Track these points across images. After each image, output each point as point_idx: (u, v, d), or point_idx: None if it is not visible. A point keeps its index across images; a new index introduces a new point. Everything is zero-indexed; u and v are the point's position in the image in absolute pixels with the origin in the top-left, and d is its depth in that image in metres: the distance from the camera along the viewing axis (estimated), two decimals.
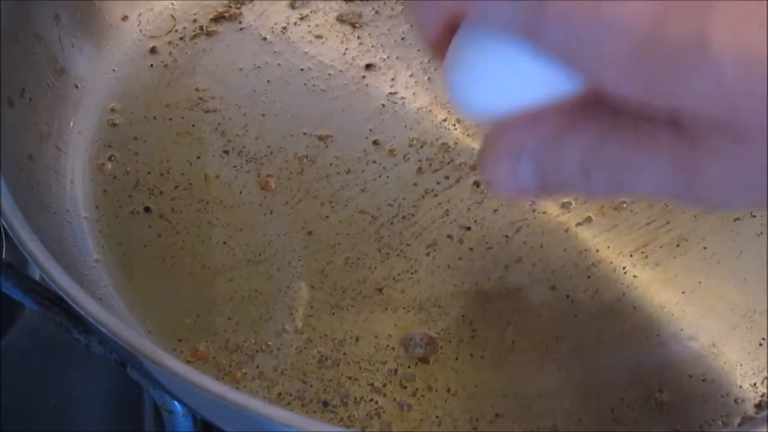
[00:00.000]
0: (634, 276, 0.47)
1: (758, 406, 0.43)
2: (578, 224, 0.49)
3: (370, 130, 0.53)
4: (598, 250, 0.48)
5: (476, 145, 0.52)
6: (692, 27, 0.28)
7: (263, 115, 0.55)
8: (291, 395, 0.43)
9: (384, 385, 0.44)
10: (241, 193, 0.51)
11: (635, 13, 0.29)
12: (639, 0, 0.29)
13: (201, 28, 0.59)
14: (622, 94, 0.30)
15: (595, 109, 0.32)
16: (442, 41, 0.35)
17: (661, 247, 0.48)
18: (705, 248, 0.48)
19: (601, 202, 0.49)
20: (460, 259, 0.48)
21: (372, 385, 0.44)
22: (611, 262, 0.48)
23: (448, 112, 0.54)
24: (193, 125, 0.54)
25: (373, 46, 0.58)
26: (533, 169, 0.34)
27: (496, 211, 0.49)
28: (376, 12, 0.60)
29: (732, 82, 0.28)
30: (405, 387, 0.44)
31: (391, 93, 0.55)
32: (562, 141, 0.33)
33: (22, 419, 0.54)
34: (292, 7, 0.60)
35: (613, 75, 0.30)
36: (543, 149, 0.33)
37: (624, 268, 0.47)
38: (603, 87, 0.31)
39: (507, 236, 0.49)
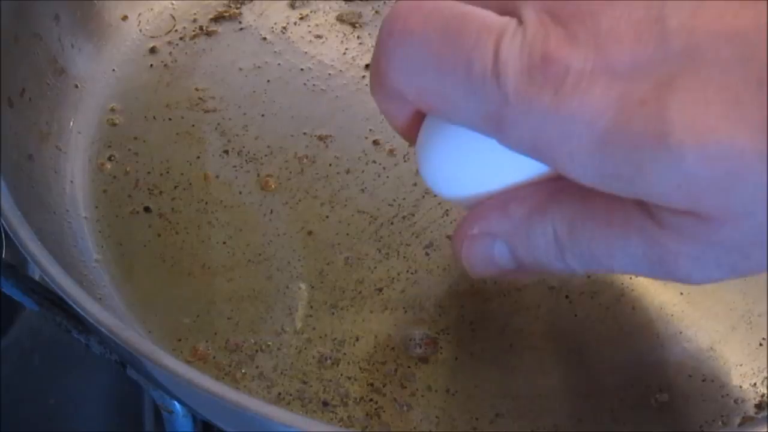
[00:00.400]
0: (633, 276, 0.47)
1: (758, 407, 0.43)
2: None
3: (370, 130, 0.53)
4: None
5: None
6: (652, 118, 0.28)
7: (263, 115, 0.55)
8: (291, 395, 0.43)
9: (384, 385, 0.44)
10: (240, 193, 0.51)
11: (595, 109, 0.28)
12: (598, 91, 0.28)
13: (201, 28, 0.59)
14: (589, 184, 0.30)
15: (566, 187, 0.32)
16: (411, 128, 0.35)
17: None
18: None
19: None
20: None
21: (372, 385, 0.44)
22: None
23: None
24: (193, 125, 0.54)
25: (373, 46, 0.58)
26: (507, 251, 0.34)
27: None
28: (376, 12, 0.60)
29: (695, 170, 0.28)
30: (405, 387, 0.44)
31: None
32: (534, 222, 0.33)
33: (22, 419, 0.54)
34: (292, 7, 0.60)
35: (577, 168, 0.30)
36: (516, 231, 0.33)
37: None
38: (569, 177, 0.31)
39: None
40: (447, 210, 0.50)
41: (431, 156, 0.34)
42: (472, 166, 0.33)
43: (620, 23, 0.28)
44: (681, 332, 0.45)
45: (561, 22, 0.29)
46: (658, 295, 0.46)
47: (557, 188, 0.32)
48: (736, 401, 0.43)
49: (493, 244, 0.34)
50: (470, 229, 0.34)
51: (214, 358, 0.45)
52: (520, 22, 0.30)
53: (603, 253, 0.32)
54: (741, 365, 0.44)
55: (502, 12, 0.31)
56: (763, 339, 0.45)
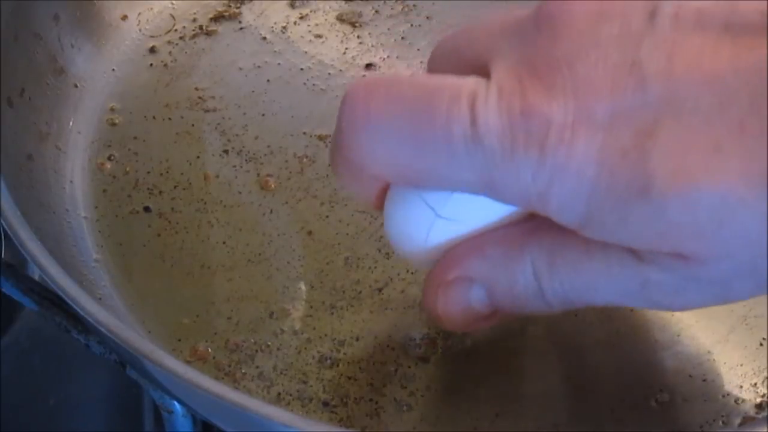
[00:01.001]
0: None
1: (759, 407, 0.43)
2: None
3: None
4: None
5: None
6: (635, 169, 0.27)
7: (263, 114, 0.54)
8: (291, 395, 0.43)
9: (384, 385, 0.44)
10: (240, 192, 0.51)
11: (582, 161, 0.28)
12: (582, 143, 0.28)
13: (201, 27, 0.59)
14: (572, 228, 0.30)
15: (542, 225, 0.32)
16: (379, 200, 0.35)
17: None
18: None
19: None
20: None
21: (372, 385, 0.44)
22: None
23: None
24: (193, 125, 0.54)
25: (373, 46, 0.58)
26: (485, 294, 0.33)
27: None
28: (376, 11, 0.60)
29: (677, 219, 0.28)
30: (405, 387, 0.44)
31: None
32: (512, 260, 0.32)
33: (22, 419, 0.53)
34: (292, 6, 0.60)
35: (565, 217, 0.30)
36: (494, 272, 0.32)
37: None
38: (554, 221, 0.30)
39: None
40: None
41: (398, 224, 0.34)
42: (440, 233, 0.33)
43: (597, 70, 0.28)
44: (680, 334, 0.45)
45: (536, 74, 0.28)
46: None
47: (533, 226, 0.32)
48: (736, 401, 0.43)
49: (470, 288, 0.33)
50: (445, 275, 0.34)
51: (214, 358, 0.45)
52: (491, 79, 0.29)
53: (584, 287, 0.31)
54: (741, 365, 0.44)
55: (470, 72, 0.30)
56: (764, 339, 0.45)
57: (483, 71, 0.30)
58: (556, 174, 0.28)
